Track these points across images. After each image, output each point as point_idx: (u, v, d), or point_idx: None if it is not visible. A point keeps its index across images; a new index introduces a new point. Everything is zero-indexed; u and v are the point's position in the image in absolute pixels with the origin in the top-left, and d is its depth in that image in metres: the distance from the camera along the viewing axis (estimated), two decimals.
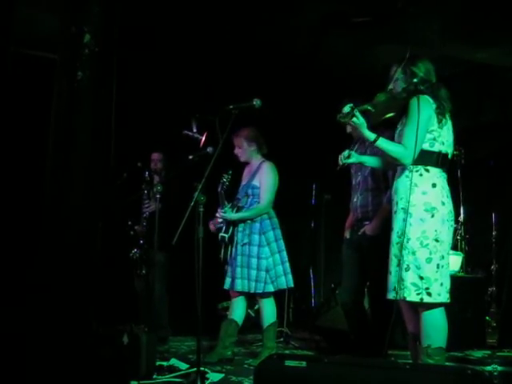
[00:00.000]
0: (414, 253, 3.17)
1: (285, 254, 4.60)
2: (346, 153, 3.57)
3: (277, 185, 4.70)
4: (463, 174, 5.96)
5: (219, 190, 4.51)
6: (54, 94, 2.80)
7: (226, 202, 4.56)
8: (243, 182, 4.73)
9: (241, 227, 4.59)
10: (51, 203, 2.73)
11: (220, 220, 4.60)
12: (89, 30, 2.72)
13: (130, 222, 5.59)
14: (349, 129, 4.23)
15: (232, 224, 4.60)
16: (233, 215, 4.54)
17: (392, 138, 3.82)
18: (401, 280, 3.16)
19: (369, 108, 3.25)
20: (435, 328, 3.20)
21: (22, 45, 5.13)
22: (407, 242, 3.17)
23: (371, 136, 3.25)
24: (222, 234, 4.58)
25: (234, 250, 4.56)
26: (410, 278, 3.16)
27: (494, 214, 6.41)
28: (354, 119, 3.18)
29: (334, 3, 4.99)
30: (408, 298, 3.16)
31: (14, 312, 3.45)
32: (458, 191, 5.84)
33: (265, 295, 4.53)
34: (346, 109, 3.19)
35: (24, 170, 4.92)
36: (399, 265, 3.18)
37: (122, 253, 5.44)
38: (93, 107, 2.75)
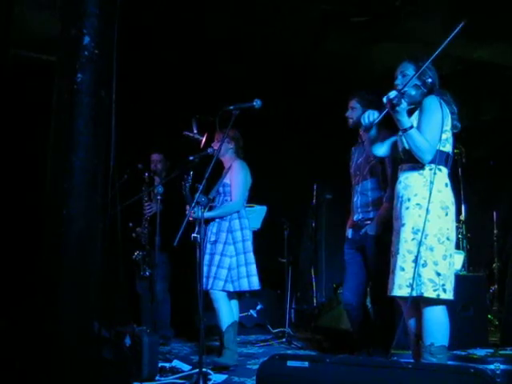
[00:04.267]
0: (432, 249, 3.18)
1: (251, 255, 4.46)
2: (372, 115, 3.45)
3: (249, 182, 4.60)
4: (464, 173, 5.96)
5: (183, 192, 4.38)
6: (53, 96, 2.79)
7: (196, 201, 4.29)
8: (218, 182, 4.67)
9: (211, 226, 4.52)
10: (52, 205, 2.73)
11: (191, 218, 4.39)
12: (88, 32, 2.71)
13: (130, 224, 5.58)
14: (351, 122, 4.23)
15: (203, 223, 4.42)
16: (205, 214, 4.35)
17: (387, 137, 3.83)
18: (417, 276, 3.17)
19: (406, 99, 3.26)
20: (438, 325, 3.20)
21: (22, 47, 5.14)
22: (425, 238, 3.18)
23: (408, 123, 3.22)
24: (193, 235, 4.42)
25: (204, 248, 4.44)
26: (427, 274, 3.16)
27: (496, 212, 6.41)
28: (401, 104, 3.17)
29: (333, 3, 4.99)
30: (425, 294, 3.16)
31: (14, 313, 3.45)
32: (460, 190, 5.84)
33: (222, 294, 4.37)
34: (393, 93, 3.17)
35: (24, 172, 4.92)
36: (414, 261, 3.18)
37: (124, 254, 5.44)
38: (93, 109, 2.74)
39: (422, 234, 3.17)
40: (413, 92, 3.30)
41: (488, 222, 6.44)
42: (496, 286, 6.16)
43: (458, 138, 3.54)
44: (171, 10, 5.07)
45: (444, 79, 3.47)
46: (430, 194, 3.19)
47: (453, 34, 3.12)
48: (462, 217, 5.95)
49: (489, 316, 5.65)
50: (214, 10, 5.11)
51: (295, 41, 5.68)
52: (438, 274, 3.16)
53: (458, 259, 5.30)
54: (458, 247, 5.71)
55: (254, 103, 3.80)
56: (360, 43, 5.68)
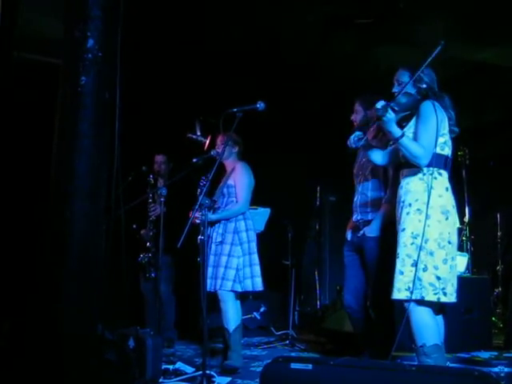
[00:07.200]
0: (432, 253, 3.21)
1: (255, 256, 4.49)
2: (357, 134, 3.64)
3: (252, 184, 4.61)
4: (468, 175, 5.95)
5: (199, 195, 4.36)
6: (57, 98, 2.80)
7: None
8: (220, 184, 4.69)
9: (216, 227, 4.53)
10: (55, 207, 2.74)
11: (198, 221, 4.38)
12: (92, 35, 2.73)
13: (134, 226, 5.58)
14: (355, 117, 4.24)
15: (209, 225, 4.42)
16: (211, 216, 4.37)
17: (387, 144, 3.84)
18: (417, 280, 3.19)
19: (395, 108, 3.29)
20: (424, 326, 3.22)
21: (26, 49, 5.15)
22: (425, 243, 3.21)
23: (398, 132, 3.29)
24: (200, 237, 4.39)
25: (208, 250, 4.43)
26: (427, 278, 3.19)
27: (499, 214, 6.40)
28: (388, 114, 3.24)
29: (335, 4, 4.99)
30: (426, 298, 3.19)
31: (18, 316, 3.46)
32: (463, 192, 5.83)
33: (230, 295, 4.38)
34: (380, 104, 3.25)
35: (27, 174, 4.93)
36: (413, 265, 3.20)
37: (128, 256, 5.43)
38: (96, 111, 2.75)
39: (422, 238, 3.20)
40: (403, 100, 3.35)
41: (492, 224, 6.43)
42: (500, 289, 6.15)
43: (461, 139, 3.55)
44: (174, 12, 5.07)
45: (448, 81, 3.48)
46: (429, 198, 3.22)
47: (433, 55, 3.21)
48: (466, 219, 5.94)
49: (493, 318, 5.63)
50: (217, 13, 5.11)
51: (299, 43, 5.68)
52: (438, 278, 3.20)
53: (462, 261, 5.29)
54: (461, 249, 5.70)
55: (258, 105, 3.80)
56: (364, 45, 5.68)
